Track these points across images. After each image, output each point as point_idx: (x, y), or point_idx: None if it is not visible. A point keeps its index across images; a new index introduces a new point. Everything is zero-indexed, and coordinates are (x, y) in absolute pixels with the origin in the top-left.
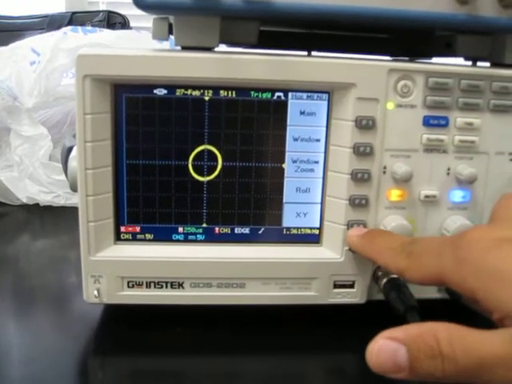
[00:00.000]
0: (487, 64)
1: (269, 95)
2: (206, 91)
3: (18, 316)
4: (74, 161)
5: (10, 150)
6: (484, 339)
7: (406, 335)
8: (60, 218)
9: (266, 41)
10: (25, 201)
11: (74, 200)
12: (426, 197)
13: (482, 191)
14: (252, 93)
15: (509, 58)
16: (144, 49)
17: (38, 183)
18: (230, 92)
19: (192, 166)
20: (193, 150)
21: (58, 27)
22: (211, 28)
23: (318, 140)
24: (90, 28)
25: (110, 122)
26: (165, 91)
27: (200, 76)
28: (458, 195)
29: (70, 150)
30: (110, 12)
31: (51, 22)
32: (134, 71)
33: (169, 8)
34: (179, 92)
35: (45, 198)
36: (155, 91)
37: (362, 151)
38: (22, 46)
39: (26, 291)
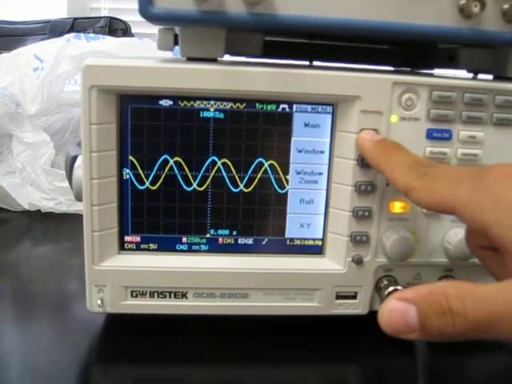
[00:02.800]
0: (490, 77)
1: (274, 107)
2: (211, 102)
3: (18, 323)
4: (78, 170)
5: (12, 156)
6: (493, 293)
7: (416, 295)
8: (62, 225)
9: (270, 50)
10: (26, 207)
11: (75, 207)
12: None
13: None
14: (257, 104)
15: (511, 71)
16: (150, 58)
17: (39, 190)
18: (235, 104)
19: (196, 176)
20: (197, 161)
21: (60, 33)
22: (217, 39)
23: (322, 152)
24: (92, 35)
25: (115, 132)
26: (170, 102)
27: (205, 88)
28: None
29: (74, 159)
30: (111, 18)
31: (53, 28)
32: (139, 82)
33: (175, 20)
34: (185, 103)
35: (47, 205)
36: (161, 102)
37: (365, 163)
38: (25, 53)
39: (26, 298)
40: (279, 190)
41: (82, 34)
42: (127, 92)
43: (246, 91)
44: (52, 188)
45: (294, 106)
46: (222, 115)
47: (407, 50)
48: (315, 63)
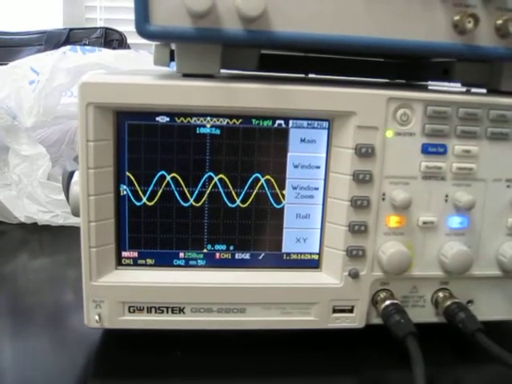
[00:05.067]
0: (484, 90)
1: (270, 123)
2: (207, 119)
3: (14, 335)
4: (76, 186)
5: (8, 168)
6: None
7: None
8: (58, 238)
9: (266, 64)
10: (23, 220)
11: (72, 220)
12: (425, 223)
13: (479, 217)
14: (253, 120)
15: (505, 85)
16: (146, 73)
17: (36, 202)
18: (231, 120)
19: (193, 192)
20: (194, 177)
21: (56, 43)
22: (213, 56)
23: (318, 167)
24: (88, 47)
25: (112, 148)
26: (167, 118)
27: (201, 105)
28: (455, 221)
29: (71, 174)
30: (107, 29)
31: (49, 38)
32: (136, 99)
33: (171, 37)
34: (181, 120)
35: (43, 218)
36: (157, 118)
37: (361, 178)
38: (21, 65)
39: (23, 310)
40: (276, 205)
41: (77, 47)
42: (124, 109)
43: (242, 108)
44: (48, 201)
45: (290, 122)
46: (218, 131)
47: (402, 63)
48: (311, 76)
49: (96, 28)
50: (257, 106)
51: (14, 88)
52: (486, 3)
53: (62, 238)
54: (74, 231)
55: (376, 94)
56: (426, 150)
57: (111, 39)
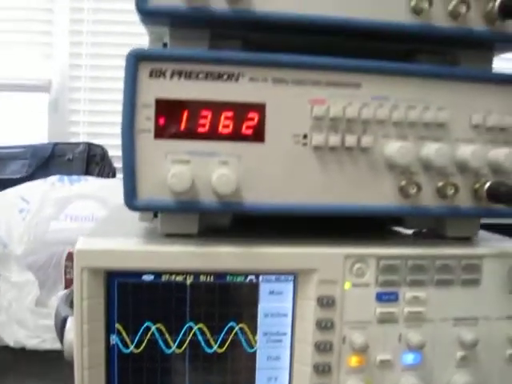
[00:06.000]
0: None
1: (242, 278)
2: (187, 276)
3: None
4: (69, 334)
5: None
6: None
7: None
8: (45, 362)
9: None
10: (12, 345)
11: (59, 344)
12: (381, 362)
13: (430, 353)
14: (228, 276)
15: (450, 232)
16: (133, 230)
17: (25, 328)
18: (208, 277)
19: (175, 340)
20: (176, 327)
21: (41, 158)
22: (191, 218)
23: (285, 315)
24: (75, 177)
25: (103, 304)
26: (152, 277)
27: (182, 267)
28: (409, 358)
29: (64, 320)
30: (89, 144)
31: (34, 153)
32: (124, 263)
33: (155, 209)
34: (164, 277)
35: (31, 343)
36: (143, 277)
37: (323, 325)
38: (12, 194)
39: None
40: (249, 350)
41: (65, 177)
42: (114, 270)
43: (218, 268)
44: (37, 326)
45: (260, 277)
46: (197, 287)
47: None
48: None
49: (79, 143)
50: (231, 267)
51: (5, 216)
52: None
53: (49, 362)
54: (61, 355)
55: (334, 252)
56: (379, 298)
57: (94, 154)
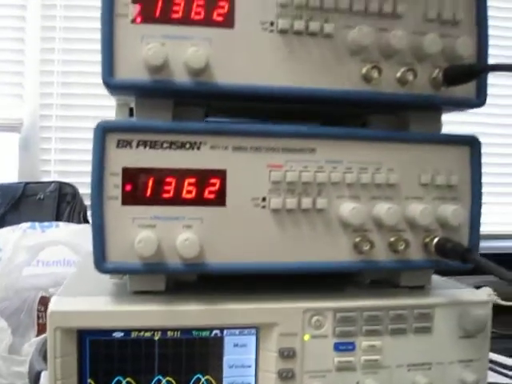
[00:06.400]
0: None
1: (208, 333)
2: (156, 332)
3: None
4: None
5: None
6: None
7: None
8: None
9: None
10: None
11: None
12: None
13: None
14: (194, 332)
15: (404, 282)
16: (103, 288)
17: None
18: (175, 332)
19: None
20: (145, 380)
21: (12, 197)
22: (159, 277)
23: (249, 366)
24: (46, 223)
25: (76, 360)
26: (122, 334)
27: (149, 325)
28: None
29: (38, 374)
30: (60, 183)
31: (5, 193)
32: (95, 322)
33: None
34: (134, 334)
35: None
36: (114, 334)
37: (284, 376)
38: None
39: None
40: None
41: (36, 224)
42: (85, 329)
43: (185, 325)
44: (9, 373)
45: (225, 331)
46: (165, 342)
47: None
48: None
49: (50, 182)
50: (197, 324)
51: None
52: (379, 228)
53: None
54: None
55: (293, 307)
56: (337, 348)
57: (65, 193)
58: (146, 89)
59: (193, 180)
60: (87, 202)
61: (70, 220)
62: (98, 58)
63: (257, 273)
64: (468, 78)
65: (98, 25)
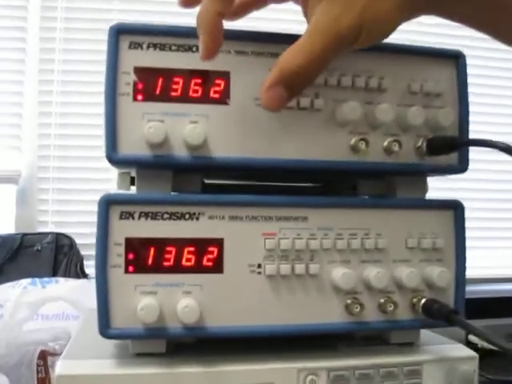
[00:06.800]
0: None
1: None
2: None
3: None
4: None
5: None
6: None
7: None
8: None
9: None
10: None
11: None
12: None
13: None
14: None
15: (394, 339)
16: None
17: None
18: None
19: None
20: None
21: (10, 249)
22: (160, 341)
23: None
24: (46, 279)
25: None
26: None
27: None
28: None
29: None
30: (57, 234)
31: (3, 244)
32: None
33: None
34: None
35: None
36: None
37: None
38: None
39: None
40: None
41: (37, 280)
42: None
43: None
44: None
45: None
46: None
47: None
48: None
49: (47, 233)
50: None
51: None
52: (368, 291)
53: None
54: None
55: (288, 367)
56: None
57: (62, 244)
58: (148, 163)
59: (192, 249)
60: (83, 252)
61: (67, 271)
62: (95, 110)
63: (254, 336)
64: (450, 150)
65: (96, 80)
